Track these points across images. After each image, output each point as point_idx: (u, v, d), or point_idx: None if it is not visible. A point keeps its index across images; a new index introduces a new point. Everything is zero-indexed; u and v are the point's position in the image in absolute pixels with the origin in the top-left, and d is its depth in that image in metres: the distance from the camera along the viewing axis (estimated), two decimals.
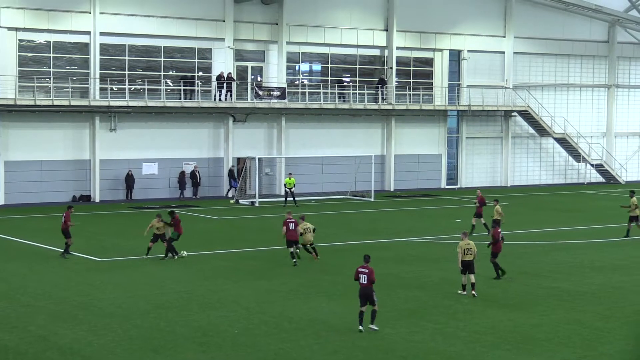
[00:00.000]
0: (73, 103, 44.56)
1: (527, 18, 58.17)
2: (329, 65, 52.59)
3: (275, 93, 49.28)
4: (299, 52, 51.69)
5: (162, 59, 47.79)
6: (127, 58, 46.85)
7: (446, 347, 18.03)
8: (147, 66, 47.62)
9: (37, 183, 44.84)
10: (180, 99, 47.72)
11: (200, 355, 17.37)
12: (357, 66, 53.35)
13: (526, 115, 57.52)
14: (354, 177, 49.95)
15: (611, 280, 25.18)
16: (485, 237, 29.93)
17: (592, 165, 60.31)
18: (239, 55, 50.03)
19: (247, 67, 50.61)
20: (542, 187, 57.93)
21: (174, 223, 28.16)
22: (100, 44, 45.74)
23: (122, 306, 21.46)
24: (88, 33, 45.46)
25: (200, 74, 48.88)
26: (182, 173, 47.29)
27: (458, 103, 55.99)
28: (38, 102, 43.78)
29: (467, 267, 23.00)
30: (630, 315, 21.02)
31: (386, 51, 53.63)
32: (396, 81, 53.81)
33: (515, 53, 57.79)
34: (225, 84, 47.93)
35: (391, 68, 53.28)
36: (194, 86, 48.06)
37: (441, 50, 55.46)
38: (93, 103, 45.07)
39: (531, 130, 58.80)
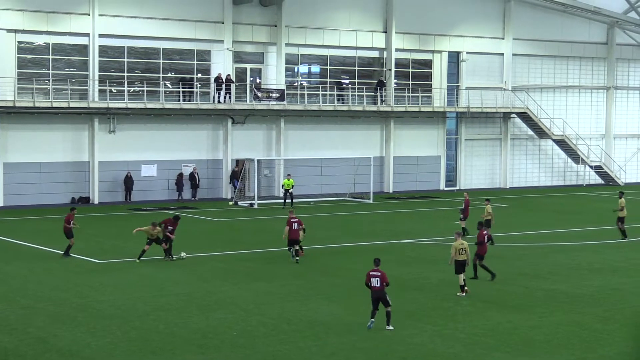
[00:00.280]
0: (72, 105, 44.55)
1: (526, 20, 58.21)
2: (328, 67, 52.61)
3: (274, 95, 49.29)
4: (298, 54, 51.71)
5: (161, 61, 47.79)
6: (126, 60, 46.86)
7: (445, 349, 18.03)
8: (146, 68, 47.62)
9: (36, 185, 44.82)
10: (179, 100, 47.73)
11: (199, 357, 17.36)
12: (356, 68, 53.36)
13: (525, 117, 57.54)
14: (353, 179, 49.95)
15: (610, 282, 25.19)
16: (470, 239, 29.77)
17: (591, 167, 60.34)
18: (238, 57, 50.05)
19: (246, 68, 50.62)
20: (541, 189, 57.96)
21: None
22: (99, 46, 45.74)
23: (121, 308, 21.45)
24: (87, 35, 45.47)
25: (199, 75, 48.90)
26: (180, 175, 47.28)
27: (457, 105, 56.01)
28: (37, 104, 43.78)
29: (460, 267, 23.25)
30: (630, 317, 21.03)
31: (385, 53, 53.66)
32: (395, 83, 53.84)
33: (514, 55, 57.83)
34: (224, 86, 47.95)
35: (390, 70, 53.31)
36: (193, 88, 48.08)
37: (440, 52, 55.50)
38: (92, 105, 45.07)
39: (530, 132, 58.82)
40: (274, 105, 49.22)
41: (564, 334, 19.25)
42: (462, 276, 23.30)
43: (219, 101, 48.03)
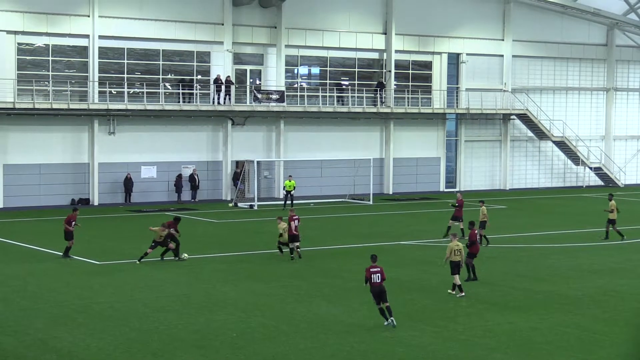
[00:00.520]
0: (72, 106, 44.55)
1: (526, 21, 58.23)
2: (328, 69, 52.60)
3: (274, 96, 49.30)
4: (298, 55, 51.71)
5: (160, 62, 47.79)
6: (126, 61, 46.86)
7: (445, 350, 18.02)
8: (146, 69, 47.63)
9: (36, 186, 44.81)
10: (179, 102, 47.74)
11: (199, 359, 17.34)
12: (356, 69, 53.36)
13: (525, 118, 57.55)
14: (352, 181, 49.94)
15: (610, 284, 25.17)
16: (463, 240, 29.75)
17: (590, 168, 60.34)
18: (238, 59, 50.05)
19: (245, 70, 50.62)
20: (541, 190, 57.95)
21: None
22: (99, 47, 45.74)
23: (120, 309, 21.44)
24: (87, 36, 45.48)
25: (199, 77, 48.90)
26: (179, 176, 47.26)
27: (457, 106, 56.01)
28: (37, 106, 43.77)
29: (455, 267, 23.37)
30: (630, 319, 21.02)
31: (385, 54, 53.67)
32: (395, 84, 53.84)
33: (513, 56, 57.84)
34: (223, 87, 47.96)
35: (390, 71, 53.31)
36: (193, 89, 48.09)
37: (440, 53, 55.51)
38: (92, 106, 45.07)
39: (530, 134, 58.82)
40: (274, 106, 49.22)
41: (564, 336, 19.25)
42: (457, 276, 23.43)
43: (218, 102, 48.04)
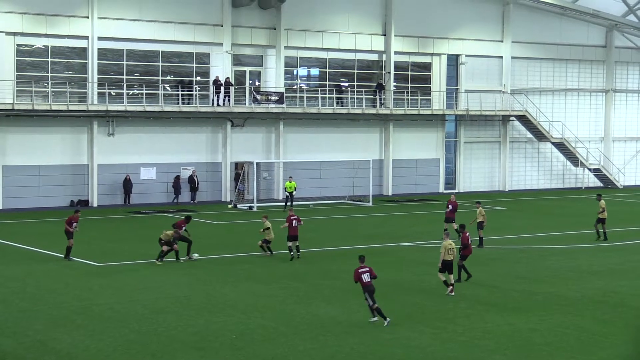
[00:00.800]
0: (71, 108, 44.54)
1: (525, 23, 58.25)
2: (327, 70, 52.62)
3: (273, 98, 49.30)
4: (297, 57, 51.72)
5: (160, 64, 47.79)
6: (125, 63, 46.85)
7: (445, 351, 18.01)
8: (145, 71, 47.63)
9: (35, 188, 44.79)
10: (178, 103, 47.73)
11: None
12: (355, 71, 53.37)
13: (524, 119, 57.57)
14: (352, 182, 49.95)
15: (609, 285, 25.17)
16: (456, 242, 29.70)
17: (589, 169, 60.36)
18: (237, 60, 50.07)
19: (245, 71, 50.64)
20: (540, 192, 57.96)
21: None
22: (98, 49, 45.75)
23: (120, 311, 21.43)
24: (86, 38, 45.48)
25: (199, 78, 48.91)
26: (177, 177, 47.21)
27: (456, 108, 56.02)
28: (36, 107, 43.77)
29: (448, 266, 23.55)
30: (629, 320, 21.01)
31: (384, 56, 53.68)
32: (394, 86, 53.85)
33: (513, 58, 57.87)
34: (223, 89, 47.96)
35: (389, 73, 53.33)
36: (192, 91, 48.09)
37: (439, 54, 55.53)
38: (91, 108, 45.07)
39: (529, 135, 58.85)
40: (273, 108, 49.23)
41: (564, 337, 19.24)
42: (442, 275, 23.65)
43: (218, 104, 48.04)
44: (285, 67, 50.67)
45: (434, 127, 55.78)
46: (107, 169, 46.14)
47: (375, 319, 20.07)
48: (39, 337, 18.93)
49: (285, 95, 49.91)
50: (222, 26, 48.71)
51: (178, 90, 48.02)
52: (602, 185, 60.86)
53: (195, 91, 48.17)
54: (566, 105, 61.10)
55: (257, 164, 47.39)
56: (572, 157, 59.62)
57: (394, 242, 33.78)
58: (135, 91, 47.09)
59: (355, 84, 53.15)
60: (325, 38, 51.91)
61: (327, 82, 52.53)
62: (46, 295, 23.40)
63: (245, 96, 49.76)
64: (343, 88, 53.01)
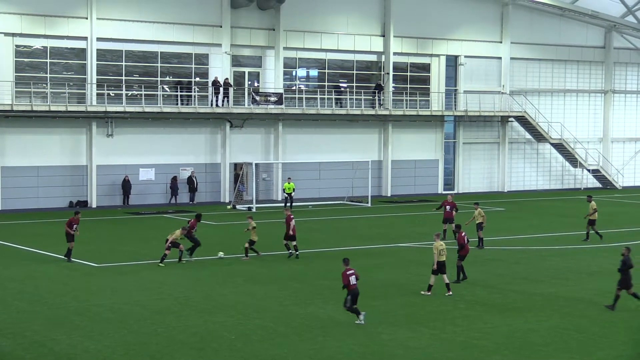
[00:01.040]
0: (70, 108, 44.53)
1: (524, 23, 58.28)
2: (326, 71, 52.62)
3: (272, 98, 49.31)
4: (296, 58, 51.73)
5: (159, 65, 47.78)
6: (124, 63, 46.85)
7: (443, 352, 18.01)
8: (144, 72, 47.62)
9: (34, 189, 44.78)
10: (177, 104, 47.73)
11: None
12: (354, 72, 53.37)
13: (523, 120, 57.59)
14: (351, 183, 49.95)
15: (608, 286, 25.11)
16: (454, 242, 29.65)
17: (588, 170, 60.38)
18: (236, 61, 50.06)
19: (244, 72, 50.64)
20: (539, 193, 57.97)
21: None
22: (97, 50, 45.74)
23: (118, 312, 21.42)
24: (85, 38, 45.47)
25: (197, 79, 48.91)
26: (174, 178, 47.17)
27: (455, 108, 56.02)
28: (35, 108, 43.75)
29: (441, 267, 23.61)
30: (628, 321, 21.02)
31: (383, 57, 53.69)
32: (393, 87, 53.86)
33: (512, 58, 57.88)
34: (222, 90, 47.96)
35: (388, 73, 53.34)
36: (191, 91, 48.09)
37: (438, 55, 55.54)
38: (90, 108, 45.06)
39: (528, 136, 58.87)
40: (272, 109, 49.24)
41: (562, 338, 19.25)
42: (433, 277, 23.66)
43: (217, 105, 48.04)
44: (284, 68, 50.67)
45: (433, 128, 55.79)
46: (106, 169, 46.12)
47: (362, 320, 20.03)
48: (38, 338, 18.92)
49: (284, 96, 49.90)
50: (221, 27, 48.71)
51: (177, 91, 48.02)
52: (601, 186, 60.89)
53: (194, 92, 48.17)
54: (565, 106, 61.12)
55: (256, 164, 47.38)
56: (571, 158, 59.63)
57: (392, 242, 33.78)
58: (134, 92, 47.08)
59: (354, 84, 53.15)
60: (324, 39, 51.92)
61: (326, 83, 52.54)
62: (45, 296, 23.39)
63: (244, 97, 49.75)
64: (342, 89, 53.02)
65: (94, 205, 45.50)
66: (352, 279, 20.10)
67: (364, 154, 51.98)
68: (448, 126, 56.88)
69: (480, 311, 21.78)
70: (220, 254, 29.29)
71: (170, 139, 47.89)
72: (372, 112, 52.41)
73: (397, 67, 54.16)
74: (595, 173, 60.77)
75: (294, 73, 52.18)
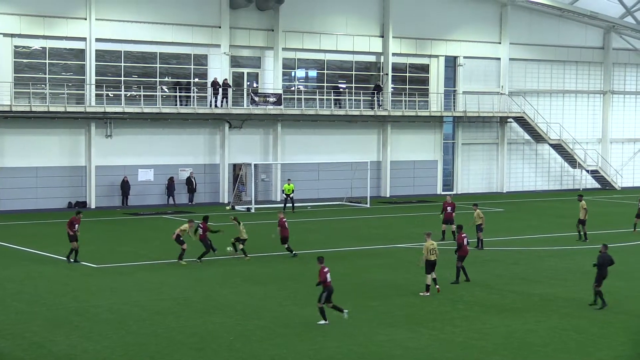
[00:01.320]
0: (69, 109, 44.52)
1: (523, 24, 58.30)
2: (325, 72, 52.62)
3: (271, 99, 49.32)
4: (295, 58, 51.73)
5: (158, 65, 47.78)
6: (123, 64, 46.84)
7: (442, 353, 18.02)
8: (143, 72, 47.61)
9: (33, 189, 44.76)
10: (176, 105, 47.73)
11: None
12: (353, 72, 53.38)
13: (522, 121, 57.60)
14: (350, 183, 49.95)
15: (607, 286, 25.12)
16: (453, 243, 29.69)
17: (587, 171, 60.40)
18: (235, 62, 50.06)
19: (243, 73, 50.63)
20: (538, 193, 57.99)
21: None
22: (96, 50, 45.73)
23: (117, 312, 21.42)
24: (84, 39, 45.47)
25: (196, 80, 48.90)
26: (171, 179, 47.11)
27: (454, 109, 56.04)
28: (34, 108, 43.73)
29: (431, 266, 23.67)
30: (626, 321, 21.04)
31: (382, 57, 53.70)
32: (392, 87, 53.86)
33: (510, 59, 57.89)
34: (221, 90, 47.96)
35: (387, 74, 53.35)
36: (190, 92, 48.09)
37: (437, 56, 55.55)
38: (89, 109, 45.05)
39: (527, 137, 58.88)
40: (271, 109, 49.25)
41: (561, 338, 19.27)
42: (429, 276, 23.75)
43: (216, 105, 48.04)
44: (283, 68, 50.66)
45: (432, 128, 55.80)
46: (105, 170, 46.11)
47: (345, 313, 20.32)
48: (37, 338, 18.92)
49: (283, 96, 49.90)
50: (220, 28, 48.71)
51: (176, 92, 48.01)
52: (599, 186, 60.92)
53: (193, 93, 48.16)
54: (564, 107, 61.15)
55: (255, 165, 47.36)
56: (570, 159, 59.65)
57: (391, 243, 33.78)
58: (133, 93, 47.07)
59: (353, 85, 53.15)
60: (323, 39, 51.92)
61: (325, 84, 52.54)
62: (44, 296, 23.39)
63: (243, 98, 49.74)
64: (341, 89, 53.01)
65: (93, 206, 45.48)
66: (329, 276, 20.37)
67: (363, 155, 51.98)
68: (447, 127, 56.89)
69: (479, 312, 21.79)
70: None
71: (169, 139, 47.89)
72: (371, 112, 52.42)
73: (396, 68, 54.17)
74: (594, 174, 60.79)
75: (292, 74, 52.18)
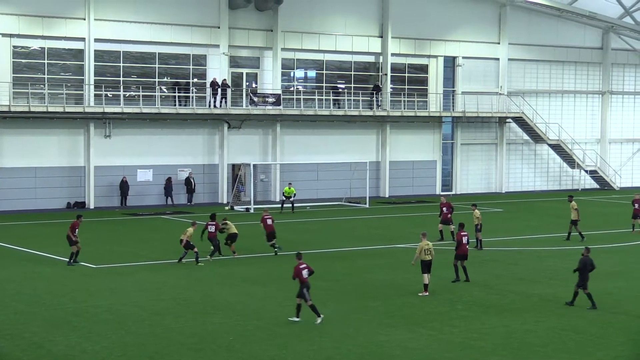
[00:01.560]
0: (67, 109, 44.50)
1: (522, 25, 58.31)
2: (324, 72, 52.62)
3: (270, 99, 49.31)
4: (294, 59, 51.72)
5: (156, 66, 47.77)
6: (121, 64, 46.83)
7: (441, 353, 18.02)
8: (141, 72, 47.59)
9: (32, 190, 44.73)
10: (175, 105, 47.71)
11: None
12: (352, 72, 53.38)
13: (521, 121, 57.61)
14: (349, 184, 49.95)
15: (606, 286, 25.18)
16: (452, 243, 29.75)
17: (586, 171, 60.41)
18: (234, 62, 50.05)
19: (242, 73, 50.62)
20: (537, 193, 58.00)
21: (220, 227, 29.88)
22: (95, 51, 45.71)
23: (116, 313, 21.41)
24: (83, 39, 45.45)
25: (195, 80, 48.89)
26: (169, 179, 47.06)
27: (453, 109, 56.05)
28: (32, 109, 43.71)
29: (426, 267, 23.75)
30: (626, 321, 21.04)
31: (381, 57, 53.70)
32: (391, 87, 53.86)
33: (509, 59, 57.91)
34: (220, 90, 47.95)
35: (386, 74, 53.35)
36: (189, 92, 48.07)
37: (436, 56, 55.56)
38: (88, 109, 45.04)
39: (526, 137, 58.90)
40: (270, 110, 49.24)
41: (560, 338, 19.27)
42: (426, 276, 23.78)
43: (214, 106, 48.02)
44: (282, 68, 50.65)
45: (431, 128, 55.80)
46: (104, 170, 46.08)
47: (298, 319, 20.31)
48: (36, 339, 18.90)
49: (282, 97, 49.89)
50: (219, 28, 48.70)
51: (175, 92, 47.99)
52: (598, 187, 60.94)
53: (192, 93, 48.15)
54: (563, 107, 61.17)
55: (254, 165, 47.36)
56: (569, 159, 59.67)
57: (390, 243, 33.78)
58: (132, 93, 47.05)
59: (352, 85, 53.14)
60: (322, 40, 51.92)
61: (324, 84, 52.53)
62: (43, 297, 23.37)
63: (242, 98, 49.73)
64: (340, 90, 53.01)
65: (92, 206, 45.45)
66: (305, 273, 20.46)
67: (362, 155, 51.98)
68: (446, 127, 56.90)
69: (478, 312, 21.79)
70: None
71: (168, 140, 47.87)
72: (370, 113, 52.42)
73: (395, 68, 54.17)
74: (593, 174, 60.81)
75: (291, 74, 52.18)
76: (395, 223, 41.26)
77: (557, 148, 59.22)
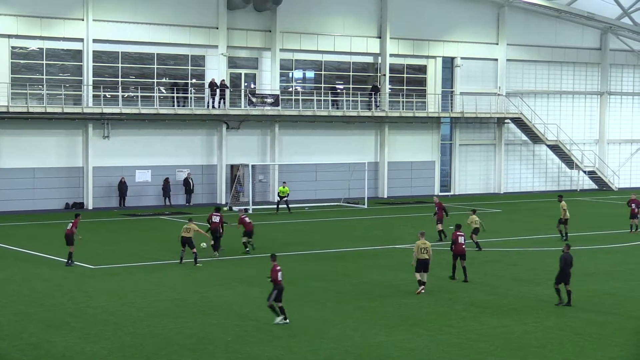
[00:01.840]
0: (66, 110, 44.48)
1: (520, 25, 58.32)
2: (323, 72, 52.62)
3: (269, 100, 49.30)
4: (293, 59, 51.72)
5: (155, 66, 47.75)
6: (120, 65, 46.82)
7: (440, 354, 18.03)
8: (140, 73, 47.58)
9: (30, 190, 44.71)
10: (173, 106, 47.71)
11: None
12: (351, 73, 53.39)
13: (519, 122, 57.63)
14: (347, 184, 49.95)
15: (604, 287, 25.21)
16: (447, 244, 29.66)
17: (584, 172, 60.42)
18: (233, 62, 50.05)
19: (240, 74, 50.61)
20: (535, 194, 58.00)
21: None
22: (94, 51, 45.70)
23: (115, 313, 21.40)
24: (81, 40, 45.43)
25: (194, 81, 48.89)
26: (167, 180, 47.04)
27: (451, 110, 56.06)
28: (31, 110, 43.69)
29: (422, 265, 23.85)
30: (624, 322, 21.05)
31: (379, 58, 53.70)
32: (389, 88, 53.87)
33: (508, 60, 57.92)
34: (218, 91, 47.95)
35: (384, 75, 53.36)
36: (187, 93, 48.06)
37: (434, 57, 55.56)
38: (86, 110, 45.02)
39: (524, 138, 58.91)
40: (269, 110, 49.24)
41: (558, 339, 19.27)
42: (419, 274, 23.98)
43: (213, 106, 48.02)
44: (280, 69, 50.64)
45: (429, 129, 55.82)
46: (102, 171, 46.07)
47: (283, 319, 20.27)
48: (34, 340, 18.90)
49: (280, 97, 49.89)
50: (217, 28, 48.70)
51: (173, 93, 47.98)
52: (597, 187, 60.96)
53: (191, 93, 48.14)
54: (561, 108, 61.19)
55: (253, 166, 47.35)
56: (567, 160, 59.69)
57: (389, 244, 33.78)
58: (130, 94, 47.03)
59: (351, 86, 53.15)
60: (320, 40, 51.93)
61: (323, 85, 52.53)
62: (41, 297, 23.36)
63: (240, 99, 49.72)
64: (338, 90, 53.00)
65: (90, 207, 45.44)
66: (280, 274, 20.49)
67: (361, 156, 51.99)
68: (444, 128, 56.92)
69: (476, 312, 21.80)
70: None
71: (166, 140, 47.86)
72: (369, 113, 52.42)
73: (393, 69, 54.18)
74: (591, 174, 60.83)
75: (290, 74, 52.18)
76: (393, 224, 41.26)
77: (556, 149, 59.24)
